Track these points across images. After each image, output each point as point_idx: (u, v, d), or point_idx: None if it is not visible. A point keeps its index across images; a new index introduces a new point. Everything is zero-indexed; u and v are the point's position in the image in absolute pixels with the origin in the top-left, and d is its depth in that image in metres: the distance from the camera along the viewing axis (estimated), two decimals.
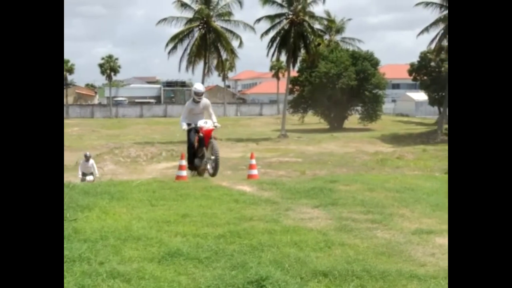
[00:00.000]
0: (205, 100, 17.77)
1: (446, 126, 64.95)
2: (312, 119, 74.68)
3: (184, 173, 17.43)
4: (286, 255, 7.56)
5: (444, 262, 7.61)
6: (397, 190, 14.10)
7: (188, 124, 17.21)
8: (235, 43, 61.34)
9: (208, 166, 17.17)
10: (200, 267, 7.19)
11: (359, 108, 73.25)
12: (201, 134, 16.89)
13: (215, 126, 17.26)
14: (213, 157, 16.87)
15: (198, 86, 17.78)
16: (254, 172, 18.78)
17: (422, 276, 6.87)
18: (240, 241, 8.41)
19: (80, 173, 27.34)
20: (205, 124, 17.06)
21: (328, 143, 51.86)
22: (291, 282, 6.49)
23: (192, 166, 17.65)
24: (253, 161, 19.12)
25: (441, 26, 61.46)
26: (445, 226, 9.74)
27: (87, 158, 28.09)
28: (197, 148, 17.20)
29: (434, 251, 8.19)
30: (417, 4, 62.43)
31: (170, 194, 12.99)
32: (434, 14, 61.90)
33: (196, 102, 17.49)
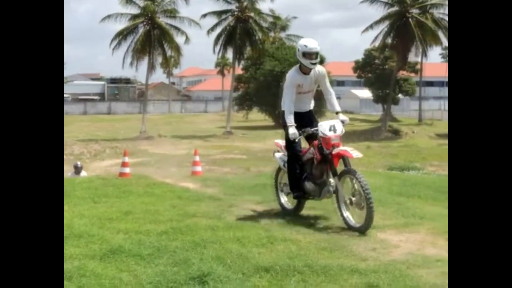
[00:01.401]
0: (319, 68, 10.27)
1: (390, 123, 65.75)
2: (257, 116, 74.87)
3: (128, 170, 17.28)
4: (228, 251, 7.57)
5: (384, 257, 7.72)
6: None
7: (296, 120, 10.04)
8: (180, 40, 61.13)
9: (346, 214, 9.39)
10: (142, 264, 7.17)
11: None
12: (326, 150, 9.52)
13: (343, 122, 10.08)
14: (355, 199, 9.19)
15: (310, 43, 9.90)
16: (198, 168, 18.76)
17: (363, 270, 6.95)
18: (183, 238, 8.40)
19: None
20: (333, 129, 9.65)
21: (273, 139, 51.84)
22: (233, 278, 6.51)
23: (298, 194, 10.22)
24: (197, 158, 19.09)
25: (385, 23, 62.21)
26: (387, 221, 9.89)
27: (77, 170, 21.07)
28: (314, 165, 9.97)
29: (376, 246, 8.30)
30: (362, 2, 63.12)
31: (113, 191, 12.90)
32: (378, 11, 62.71)
33: (305, 73, 10.13)
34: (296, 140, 9.96)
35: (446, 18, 66.40)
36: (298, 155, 10.19)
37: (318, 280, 6.59)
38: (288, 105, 10.17)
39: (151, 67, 61.38)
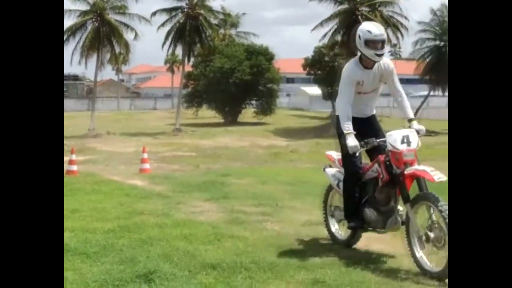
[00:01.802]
0: (386, 62, 8.24)
1: None
2: (207, 113, 74.68)
3: (75, 167, 17.10)
4: (175, 248, 7.55)
5: (332, 252, 7.77)
6: (289, 182, 14.33)
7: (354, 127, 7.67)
8: (130, 36, 60.65)
9: (419, 254, 7.00)
10: (88, 262, 7.09)
11: (253, 102, 73.62)
12: (396, 169, 7.25)
13: (418, 132, 7.80)
14: (432, 232, 6.81)
15: (375, 28, 7.94)
16: (146, 166, 18.67)
17: (310, 266, 6.98)
18: (130, 236, 8.35)
19: None
20: (406, 141, 7.39)
21: (223, 137, 51.90)
22: (179, 275, 6.48)
23: (355, 224, 7.91)
24: (145, 155, 19.01)
25: (335, 21, 62.54)
26: None
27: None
28: (378, 188, 7.62)
29: (322, 242, 8.35)
30: (312, 0, 63.37)
31: None
32: (328, 9, 63.00)
33: (367, 67, 8.01)
34: (357, 154, 7.60)
35: (395, 16, 67.09)
36: (358, 173, 7.80)
37: (265, 276, 6.59)
38: (344, 108, 7.72)
39: (100, 64, 60.82)
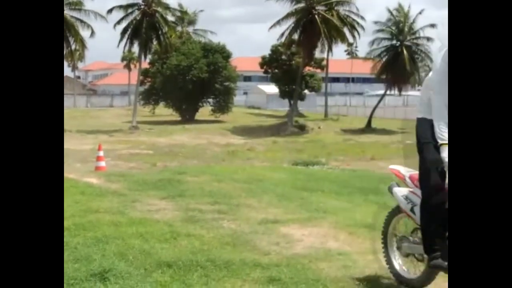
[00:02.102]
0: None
1: (296, 118, 66.39)
2: (164, 111, 74.43)
3: None
4: (131, 246, 7.50)
5: (287, 251, 7.81)
6: (245, 181, 14.35)
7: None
8: (86, 33, 60.20)
9: None
10: None
11: (211, 100, 73.59)
12: None
13: None
14: None
15: None
16: (102, 164, 18.58)
17: (265, 264, 6.99)
18: (85, 234, 8.28)
19: None
20: None
21: (180, 135, 51.85)
22: (134, 274, 6.45)
23: (440, 262, 5.75)
24: (101, 153, 18.90)
25: (292, 19, 62.81)
26: (290, 216, 10.01)
27: None
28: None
29: (279, 240, 8.38)
30: None
31: None
32: (285, 8, 63.25)
33: None
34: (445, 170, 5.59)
35: (352, 15, 67.59)
36: (444, 197, 5.62)
37: (221, 274, 6.59)
38: (441, 111, 5.47)
39: None
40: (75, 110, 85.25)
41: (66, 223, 8.88)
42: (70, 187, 12.73)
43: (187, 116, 72.16)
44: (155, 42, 63.91)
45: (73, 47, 61.40)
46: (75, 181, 13.74)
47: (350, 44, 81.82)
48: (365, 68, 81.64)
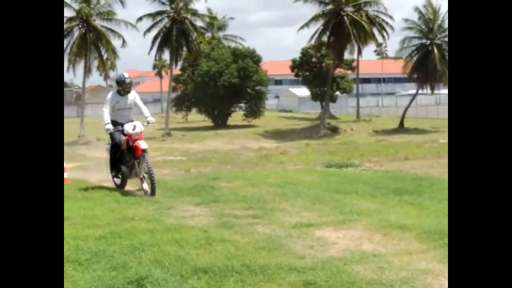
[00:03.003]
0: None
1: (328, 120, 66.26)
2: (196, 117, 74.75)
3: (65, 175, 17.06)
4: (166, 253, 7.56)
5: (322, 254, 7.81)
6: (278, 185, 14.33)
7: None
8: (117, 42, 60.62)
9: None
10: (80, 270, 7.10)
11: (242, 105, 73.70)
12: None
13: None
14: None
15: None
16: None
17: (301, 268, 7.01)
18: (121, 242, 8.35)
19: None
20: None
21: (213, 140, 52.01)
22: (170, 280, 6.50)
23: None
24: None
25: (321, 21, 62.71)
26: (324, 219, 9.99)
27: (125, 87, 14.08)
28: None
29: (313, 244, 8.38)
30: (296, 1, 63.50)
31: None
32: (313, 10, 63.18)
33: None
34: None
35: (380, 15, 67.34)
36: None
37: (256, 279, 6.62)
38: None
39: (87, 71, 60.76)
40: None
41: (102, 232, 8.99)
42: (105, 196, 12.86)
43: (220, 121, 72.38)
44: (185, 49, 64.09)
45: (104, 56, 61.74)
46: (110, 190, 13.84)
47: (379, 45, 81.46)
48: (396, 68, 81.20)
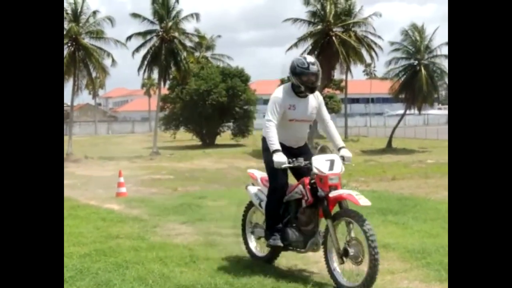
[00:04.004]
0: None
1: (316, 140, 66.36)
2: (185, 136, 74.81)
3: None
4: (150, 271, 7.61)
5: (305, 273, 7.88)
6: None
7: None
8: (107, 61, 60.70)
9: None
10: (64, 287, 7.14)
11: (230, 124, 73.86)
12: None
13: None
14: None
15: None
16: (123, 190, 18.71)
17: (284, 287, 7.07)
18: (106, 259, 8.40)
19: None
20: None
21: (201, 159, 51.99)
22: None
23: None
24: (122, 179, 19.04)
25: (310, 41, 62.99)
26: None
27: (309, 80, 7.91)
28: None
29: (296, 263, 8.46)
30: (285, 21, 63.87)
31: None
32: (302, 30, 63.48)
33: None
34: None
35: (369, 35, 67.71)
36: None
37: None
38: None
39: (76, 89, 60.78)
40: (96, 137, 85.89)
41: (87, 249, 9.04)
42: (91, 214, 12.90)
43: (208, 140, 72.44)
44: (173, 68, 64.22)
45: (93, 74, 61.81)
46: (96, 208, 13.90)
47: (368, 65, 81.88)
48: (384, 88, 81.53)
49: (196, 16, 63.58)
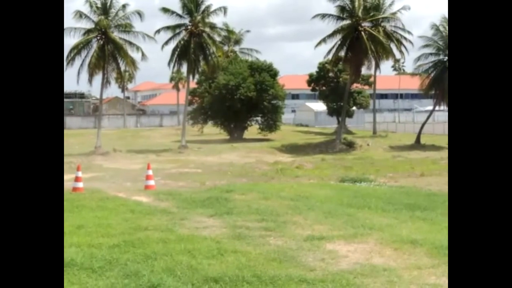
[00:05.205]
0: None
1: (345, 135, 66.15)
2: (213, 130, 74.85)
3: (81, 184, 17.24)
4: (178, 262, 7.67)
5: (332, 267, 7.89)
6: (292, 198, 14.42)
7: None
8: (135, 55, 60.78)
9: None
10: (93, 277, 7.22)
11: (258, 118, 73.70)
12: None
13: None
14: None
15: None
16: (151, 182, 18.77)
17: (311, 280, 7.09)
18: (134, 251, 8.48)
19: None
20: None
21: (228, 153, 52.00)
22: None
23: None
24: (150, 172, 19.11)
25: (338, 37, 62.66)
26: (336, 232, 10.06)
27: None
28: None
29: (324, 256, 8.46)
30: (314, 17, 63.59)
31: (66, 205, 12.86)
32: (330, 26, 63.17)
33: None
34: None
35: (398, 31, 67.35)
36: None
37: None
38: None
39: (105, 82, 61.01)
40: (125, 130, 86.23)
41: (116, 240, 9.12)
42: (120, 206, 12.99)
43: (236, 134, 72.40)
44: (202, 62, 64.22)
45: (122, 68, 61.99)
46: (125, 200, 13.99)
47: (397, 60, 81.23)
48: (413, 84, 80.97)
49: (224, 9, 63.48)
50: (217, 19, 76.18)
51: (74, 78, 59.95)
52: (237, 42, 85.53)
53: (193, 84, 72.54)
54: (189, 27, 61.97)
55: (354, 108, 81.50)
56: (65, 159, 47.18)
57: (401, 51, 68.35)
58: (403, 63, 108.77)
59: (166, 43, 62.14)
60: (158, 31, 61.85)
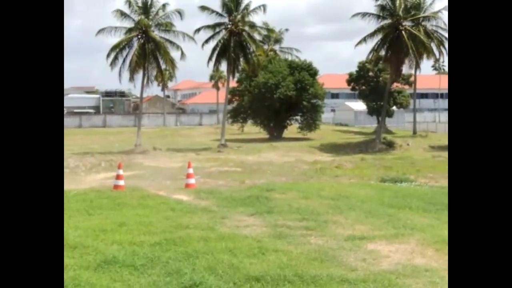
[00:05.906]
0: None
1: (384, 135, 65.80)
2: (252, 129, 74.95)
3: (122, 182, 17.37)
4: (220, 261, 7.70)
5: (374, 267, 7.85)
6: (332, 197, 14.38)
7: None
8: (175, 53, 61.09)
9: None
10: (135, 274, 7.28)
11: (298, 117, 73.59)
12: None
13: None
14: None
15: None
16: (192, 181, 18.85)
17: (353, 280, 7.07)
18: (176, 249, 8.52)
19: None
20: None
21: (268, 152, 52.03)
22: (224, 287, 6.62)
23: None
24: (191, 170, 19.20)
25: (378, 36, 62.30)
26: (377, 232, 10.02)
27: None
28: None
29: (365, 257, 8.42)
30: (354, 15, 63.31)
31: (108, 203, 13.03)
32: (370, 25, 62.84)
33: None
34: None
35: (439, 30, 66.81)
36: None
37: None
38: None
39: (146, 81, 61.39)
40: (165, 128, 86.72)
41: (157, 238, 9.18)
42: (161, 204, 13.07)
43: (275, 133, 72.38)
44: (242, 61, 64.30)
45: (162, 67, 62.33)
46: (165, 198, 14.07)
47: (437, 60, 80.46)
48: None
49: (264, 8, 63.49)
50: (256, 18, 76.29)
51: (113, 76, 60.43)
52: (277, 41, 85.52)
53: (233, 83, 72.67)
54: (229, 26, 62.12)
55: (394, 107, 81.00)
56: (106, 157, 47.62)
57: (441, 51, 67.76)
58: (443, 62, 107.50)
59: (207, 42, 62.35)
60: (198, 30, 62.11)
